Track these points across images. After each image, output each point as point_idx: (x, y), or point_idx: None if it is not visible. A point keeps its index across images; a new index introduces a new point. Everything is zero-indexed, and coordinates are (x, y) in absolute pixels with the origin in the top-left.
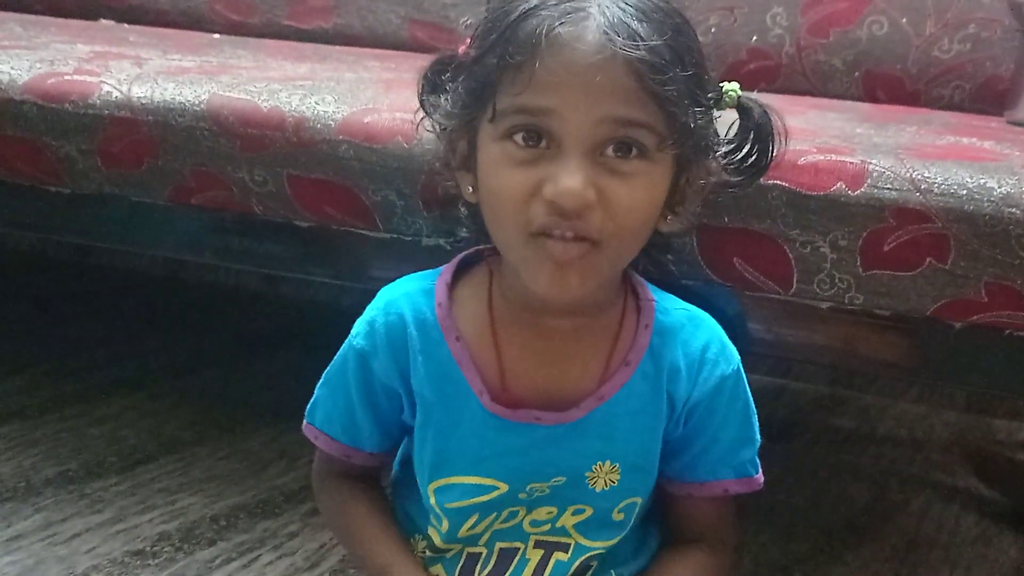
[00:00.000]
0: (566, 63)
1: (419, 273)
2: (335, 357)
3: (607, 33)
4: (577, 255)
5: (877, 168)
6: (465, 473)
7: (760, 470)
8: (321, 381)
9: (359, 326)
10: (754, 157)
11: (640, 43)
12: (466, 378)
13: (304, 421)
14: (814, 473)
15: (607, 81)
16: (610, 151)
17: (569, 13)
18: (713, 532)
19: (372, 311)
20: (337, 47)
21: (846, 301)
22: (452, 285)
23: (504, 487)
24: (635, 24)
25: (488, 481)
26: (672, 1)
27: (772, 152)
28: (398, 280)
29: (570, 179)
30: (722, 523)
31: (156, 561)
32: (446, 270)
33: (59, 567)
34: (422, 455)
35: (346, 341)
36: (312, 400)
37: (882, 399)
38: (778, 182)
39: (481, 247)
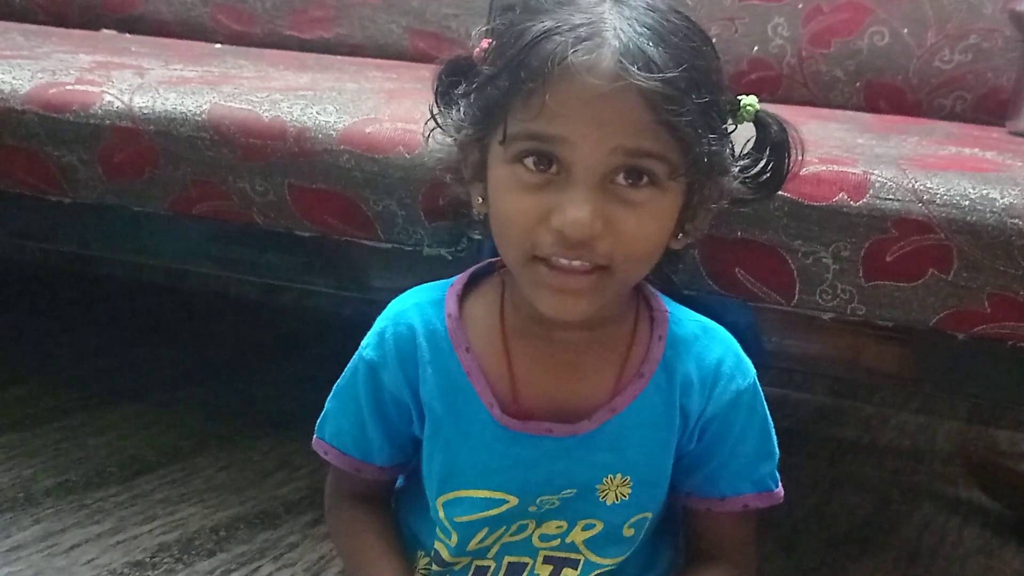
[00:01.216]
0: (578, 93)
1: (430, 284)
2: (345, 369)
3: (622, 62)
4: (583, 284)
5: (879, 179)
6: (475, 487)
7: (780, 484)
8: (331, 395)
9: (369, 338)
10: (770, 173)
11: (655, 73)
12: (476, 390)
13: (314, 436)
14: (816, 484)
15: (619, 112)
16: (620, 179)
17: (584, 40)
18: (734, 549)
19: (382, 322)
20: (339, 57)
21: (848, 312)
22: (463, 297)
23: (514, 500)
24: (651, 50)
25: (498, 495)
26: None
27: (788, 167)
28: (408, 291)
29: (578, 211)
30: (743, 540)
31: (156, 572)
32: (457, 281)
33: None
34: (431, 468)
35: (356, 353)
36: (322, 414)
37: (884, 410)
38: (781, 192)
39: (493, 260)
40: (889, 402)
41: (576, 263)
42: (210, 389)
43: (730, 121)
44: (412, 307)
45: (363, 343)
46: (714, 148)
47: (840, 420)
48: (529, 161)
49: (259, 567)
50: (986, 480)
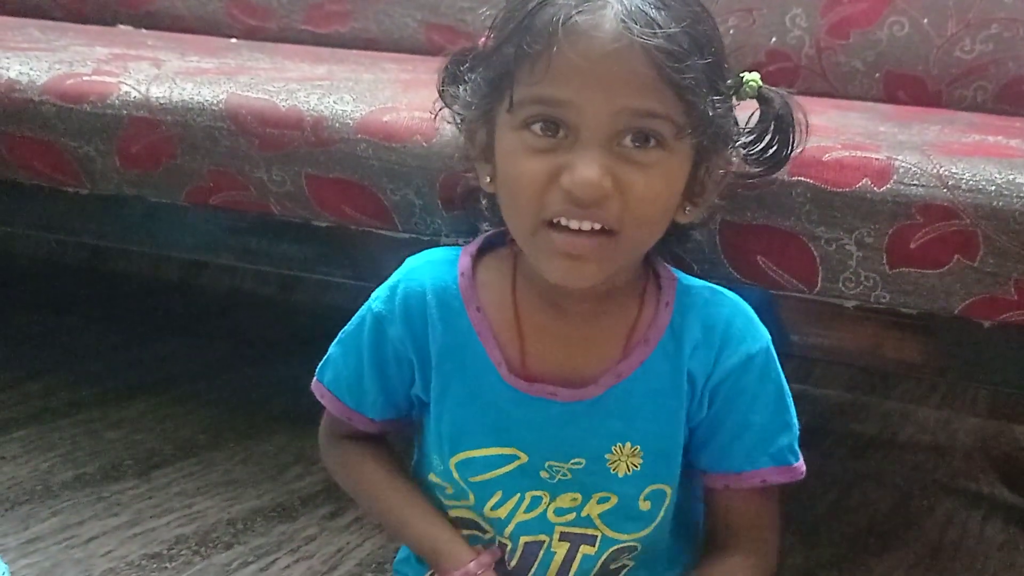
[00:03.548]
0: (583, 53)
1: (445, 246)
2: (353, 318)
3: (624, 21)
4: (590, 248)
5: (903, 164)
6: (484, 445)
7: (801, 458)
8: (336, 340)
9: (380, 291)
10: (774, 148)
11: (658, 31)
12: (485, 349)
13: (314, 378)
14: (836, 479)
15: (624, 71)
16: (628, 141)
17: (587, 1)
18: (754, 531)
19: (395, 278)
20: (354, 51)
21: (872, 300)
22: (476, 259)
23: (524, 457)
24: (653, 12)
25: (508, 451)
26: None
27: (793, 143)
28: (425, 251)
29: (587, 169)
30: (763, 521)
31: (173, 564)
32: (471, 245)
33: (76, 570)
34: (440, 428)
35: (366, 304)
36: (324, 358)
37: (904, 405)
38: (802, 178)
39: (505, 229)
40: (909, 397)
41: (586, 224)
42: (226, 384)
43: (731, 92)
44: (424, 265)
45: (373, 295)
46: (718, 110)
47: (860, 416)
48: (536, 127)
49: (276, 559)
50: (1008, 475)
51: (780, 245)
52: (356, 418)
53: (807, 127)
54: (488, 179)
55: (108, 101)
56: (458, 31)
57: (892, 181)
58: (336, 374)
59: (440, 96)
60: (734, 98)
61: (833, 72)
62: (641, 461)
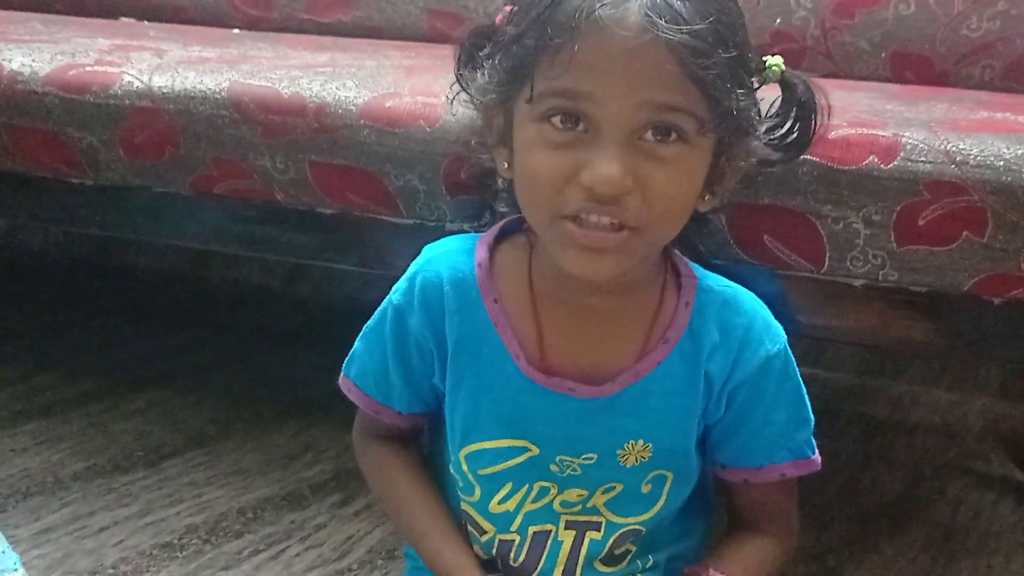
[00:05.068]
0: (606, 47)
1: (462, 235)
2: (375, 312)
3: (649, 15)
4: (610, 241)
5: (910, 141)
6: (496, 437)
7: (816, 451)
8: (360, 335)
9: (400, 283)
10: (796, 134)
11: (683, 26)
12: (502, 340)
13: (341, 374)
14: (847, 462)
15: (648, 66)
16: (649, 135)
17: None
18: (774, 518)
19: (413, 268)
20: (356, 39)
21: (880, 278)
22: (493, 249)
23: (535, 450)
24: (678, 5)
25: (519, 443)
26: None
27: (814, 129)
28: (442, 239)
29: (607, 166)
30: (782, 509)
31: (184, 553)
32: (488, 234)
33: (88, 560)
34: (453, 419)
35: (387, 297)
36: (350, 354)
37: (914, 387)
38: (809, 157)
39: (521, 216)
40: (919, 379)
41: (605, 220)
42: (234, 375)
43: (755, 82)
44: (442, 255)
45: (394, 288)
46: (742, 104)
47: (870, 398)
48: (556, 119)
49: (286, 548)
50: (1019, 454)
51: (787, 224)
52: (384, 412)
53: (829, 111)
54: (506, 164)
55: (111, 91)
56: (460, 18)
57: (899, 158)
58: (362, 368)
59: (457, 79)
60: (756, 87)
61: (839, 53)
62: (651, 454)
